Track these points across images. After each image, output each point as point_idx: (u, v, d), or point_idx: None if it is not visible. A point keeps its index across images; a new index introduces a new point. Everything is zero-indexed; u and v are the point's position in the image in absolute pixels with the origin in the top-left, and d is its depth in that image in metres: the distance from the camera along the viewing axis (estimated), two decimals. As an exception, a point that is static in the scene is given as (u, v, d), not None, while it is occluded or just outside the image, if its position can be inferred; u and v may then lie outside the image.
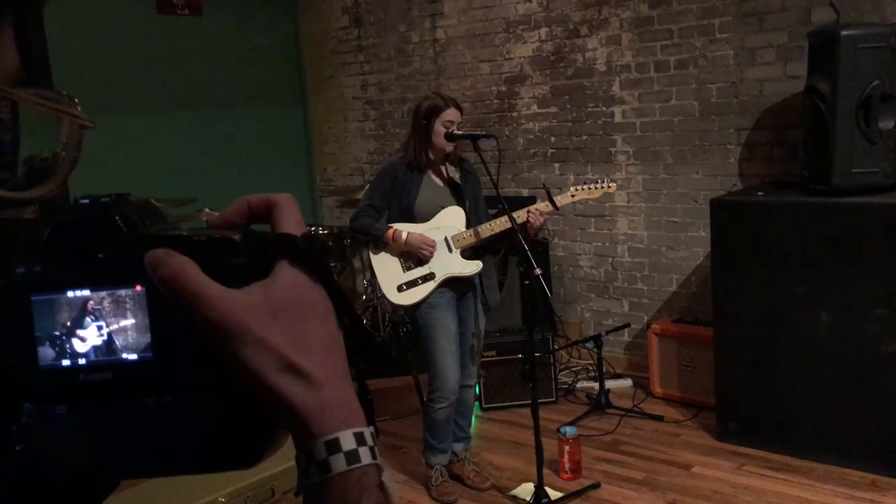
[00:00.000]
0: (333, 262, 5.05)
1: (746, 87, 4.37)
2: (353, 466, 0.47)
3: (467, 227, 3.52)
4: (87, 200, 0.50)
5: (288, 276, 0.49)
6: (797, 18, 4.14)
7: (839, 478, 3.51)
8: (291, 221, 0.52)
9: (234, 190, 6.06)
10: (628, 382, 4.75)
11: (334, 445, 0.47)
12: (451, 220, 3.52)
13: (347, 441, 0.47)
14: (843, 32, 3.41)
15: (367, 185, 4.01)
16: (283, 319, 0.48)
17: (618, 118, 4.88)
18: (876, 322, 3.40)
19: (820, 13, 4.04)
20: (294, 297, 0.49)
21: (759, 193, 3.86)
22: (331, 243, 5.09)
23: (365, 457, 0.48)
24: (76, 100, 0.55)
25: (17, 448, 0.49)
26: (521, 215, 3.42)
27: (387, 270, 3.51)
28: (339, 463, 0.47)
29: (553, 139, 5.19)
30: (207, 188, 5.35)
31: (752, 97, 4.36)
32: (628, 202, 4.91)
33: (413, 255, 3.48)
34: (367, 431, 0.49)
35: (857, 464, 3.53)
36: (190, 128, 5.71)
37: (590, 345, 4.62)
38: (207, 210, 4.91)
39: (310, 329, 0.49)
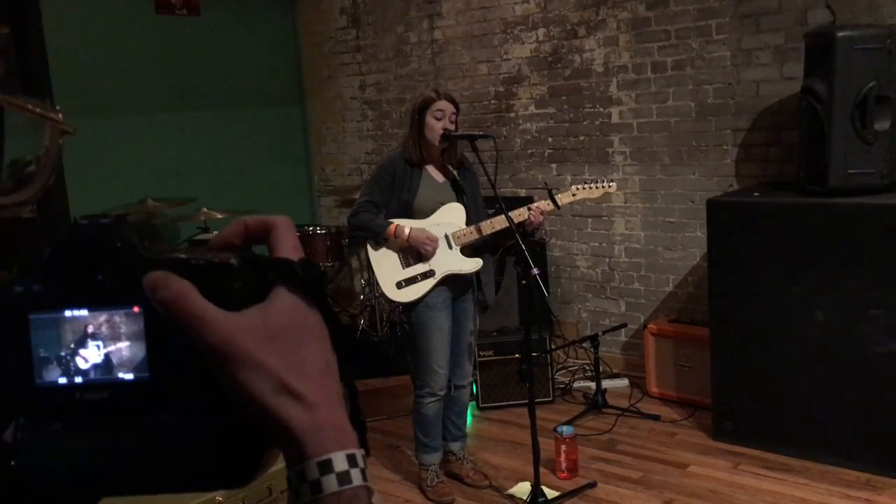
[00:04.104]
0: (331, 261, 5.07)
1: (743, 88, 4.38)
2: (344, 487, 0.48)
3: (467, 224, 3.48)
4: (86, 221, 0.50)
5: (285, 301, 0.50)
6: (794, 20, 4.15)
7: (834, 477, 3.53)
8: (289, 245, 0.53)
9: (233, 190, 6.06)
10: (625, 382, 4.76)
11: (327, 466, 0.48)
12: (451, 217, 3.47)
13: (340, 462, 0.48)
14: (840, 34, 3.42)
15: (365, 181, 3.95)
16: (280, 343, 0.49)
17: (615, 119, 4.89)
18: (871, 322, 3.41)
19: (816, 15, 4.06)
20: (291, 322, 0.49)
21: (756, 194, 3.87)
22: (328, 243, 5.11)
23: (356, 478, 0.48)
24: (57, 106, 0.56)
25: (12, 463, 0.49)
26: (521, 213, 3.40)
27: (386, 267, 3.47)
28: (330, 483, 0.48)
29: (550, 139, 5.20)
30: (205, 188, 5.36)
31: (748, 98, 4.37)
32: (625, 202, 4.92)
33: (413, 252, 3.43)
34: (359, 454, 0.50)
35: (852, 463, 3.55)
36: (188, 128, 5.71)
37: (587, 344, 4.64)
38: (205, 210, 4.91)
39: (306, 352, 0.49)
